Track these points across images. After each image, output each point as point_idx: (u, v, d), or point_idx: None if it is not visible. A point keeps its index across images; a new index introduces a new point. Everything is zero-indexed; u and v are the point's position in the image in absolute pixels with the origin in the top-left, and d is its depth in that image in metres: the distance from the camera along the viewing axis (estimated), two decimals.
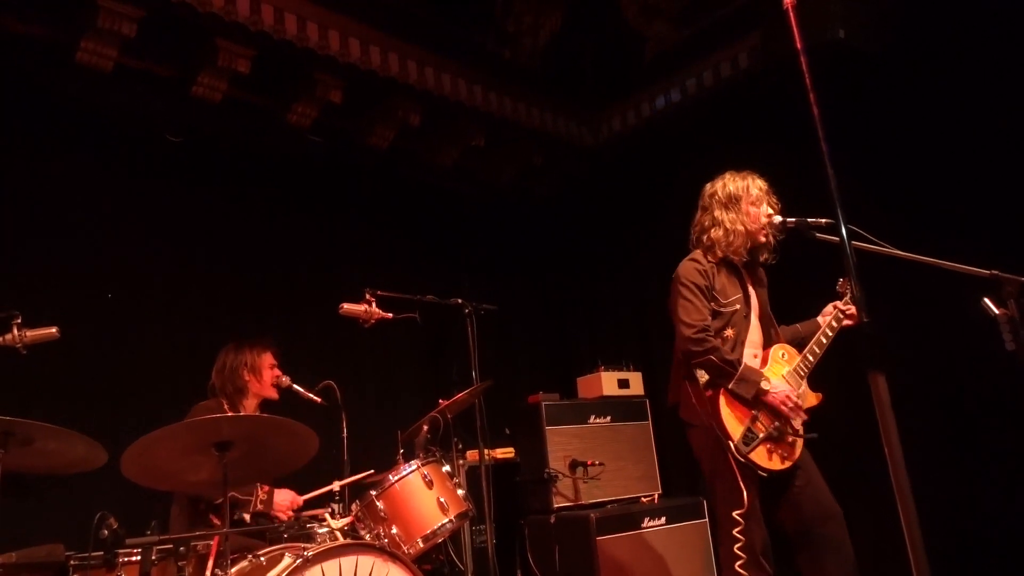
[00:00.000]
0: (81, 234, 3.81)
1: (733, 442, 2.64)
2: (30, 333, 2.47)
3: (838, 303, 2.98)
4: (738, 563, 2.57)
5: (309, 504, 3.25)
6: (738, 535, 2.58)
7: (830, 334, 2.90)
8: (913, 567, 1.25)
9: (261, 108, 4.53)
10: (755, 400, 2.70)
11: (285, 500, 3.23)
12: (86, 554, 2.31)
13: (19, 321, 2.46)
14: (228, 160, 4.44)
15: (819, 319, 3.05)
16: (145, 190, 4.08)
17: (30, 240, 3.64)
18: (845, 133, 3.84)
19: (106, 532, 2.24)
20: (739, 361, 2.72)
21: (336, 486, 3.13)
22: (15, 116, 3.71)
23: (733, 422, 2.68)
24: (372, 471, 3.25)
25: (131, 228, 3.97)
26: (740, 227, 2.85)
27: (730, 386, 2.69)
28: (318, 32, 4.22)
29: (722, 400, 2.70)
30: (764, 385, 2.69)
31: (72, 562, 2.32)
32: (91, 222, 3.86)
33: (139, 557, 2.28)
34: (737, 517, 2.59)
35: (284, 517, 3.19)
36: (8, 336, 2.44)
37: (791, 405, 2.70)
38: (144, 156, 4.12)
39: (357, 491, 2.98)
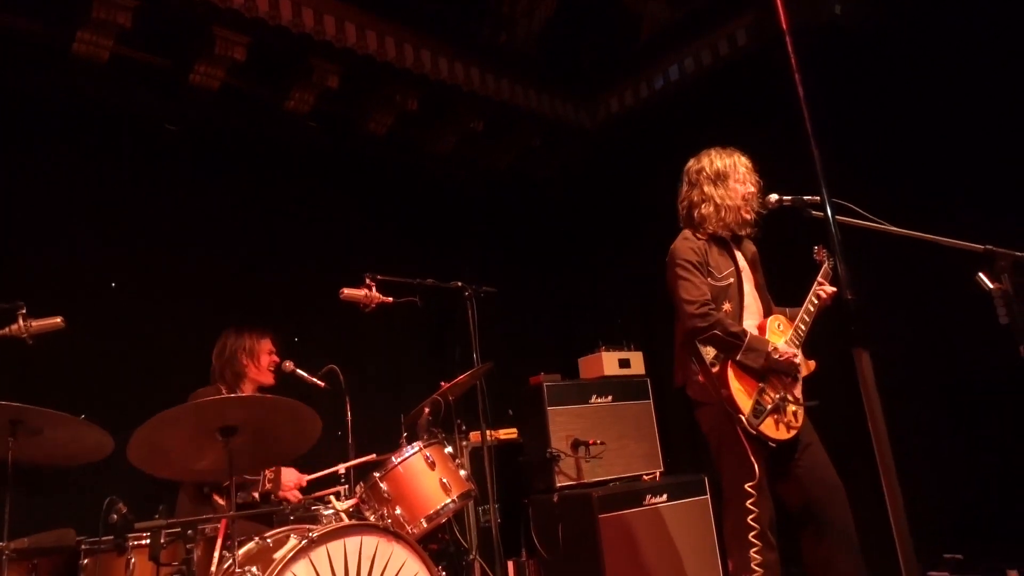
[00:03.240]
0: (82, 225, 3.84)
1: (744, 416, 2.67)
2: (36, 323, 2.50)
3: (818, 276, 3.00)
4: (751, 534, 2.61)
5: (314, 485, 3.30)
6: (751, 507, 2.62)
7: (816, 301, 2.92)
8: (897, 543, 1.28)
9: (259, 95, 4.54)
10: (764, 369, 2.74)
11: (292, 479, 3.29)
12: (96, 539, 2.36)
13: (24, 312, 2.49)
14: (227, 148, 4.46)
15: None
16: (145, 179, 4.10)
17: (32, 232, 3.67)
18: (839, 111, 3.86)
19: (115, 517, 2.29)
20: (744, 332, 2.74)
21: (341, 468, 3.18)
22: (13, 110, 3.73)
23: (742, 396, 2.71)
24: (374, 455, 3.30)
25: (132, 217, 4.00)
26: (729, 202, 2.88)
27: (738, 357, 2.71)
28: (313, 17, 4.22)
29: (730, 374, 2.73)
30: (772, 352, 2.73)
31: (83, 546, 2.37)
32: (92, 213, 3.89)
33: (148, 541, 2.33)
34: (749, 489, 2.63)
35: (291, 496, 3.26)
36: (14, 327, 2.48)
37: (797, 364, 2.79)
38: (143, 146, 4.14)
39: (361, 473, 3.02)
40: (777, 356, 2.73)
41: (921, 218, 2.34)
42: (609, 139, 5.65)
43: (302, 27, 4.14)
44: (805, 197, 2.65)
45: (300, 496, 3.29)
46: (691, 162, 3.03)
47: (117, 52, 3.90)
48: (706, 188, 2.93)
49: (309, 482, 3.35)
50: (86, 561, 2.34)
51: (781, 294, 3.11)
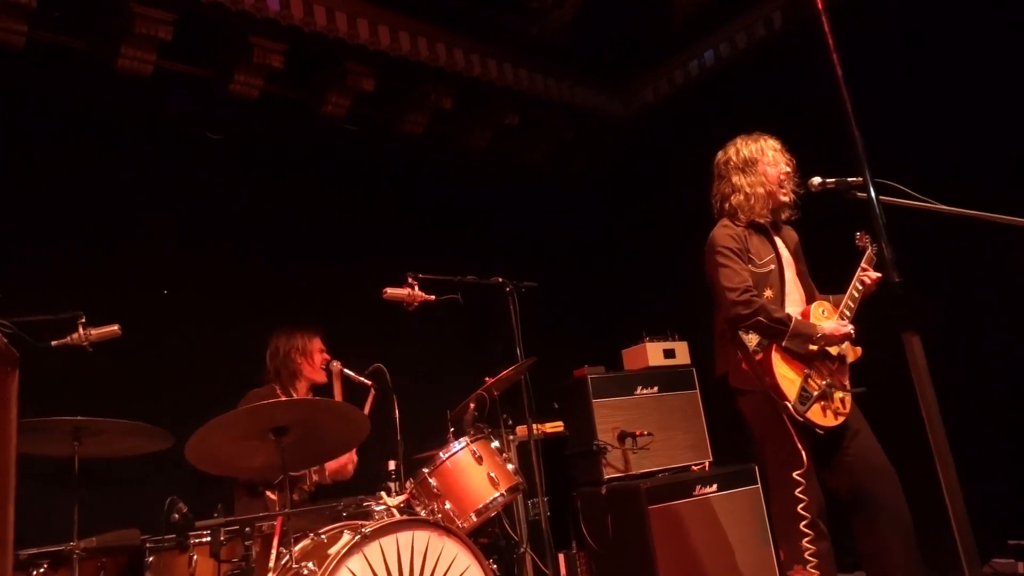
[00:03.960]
0: (133, 234, 3.97)
1: (790, 403, 2.63)
2: (95, 332, 2.60)
3: (861, 262, 2.94)
4: (802, 523, 2.58)
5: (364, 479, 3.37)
6: (800, 495, 2.58)
7: (860, 287, 2.87)
8: (954, 527, 1.25)
9: (297, 101, 4.62)
10: (811, 354, 2.69)
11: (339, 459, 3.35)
12: (160, 537, 2.45)
13: (84, 321, 2.59)
14: (268, 154, 4.56)
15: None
16: (190, 188, 4.22)
17: (86, 243, 3.81)
18: (878, 91, 3.76)
19: (176, 516, 2.37)
20: (789, 317, 2.70)
21: (391, 464, 3.24)
22: (65, 127, 3.88)
23: (788, 383, 2.67)
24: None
25: (179, 225, 4.12)
26: (760, 189, 2.85)
27: (784, 343, 2.67)
28: (347, 22, 4.27)
29: (774, 361, 2.68)
30: (819, 334, 2.68)
31: (148, 545, 2.46)
32: (141, 222, 4.01)
33: (208, 538, 2.41)
34: (798, 478, 2.59)
35: (346, 472, 3.33)
36: (75, 335, 2.57)
37: (850, 334, 2.73)
38: (188, 155, 4.26)
39: (411, 469, 3.07)
40: (824, 335, 2.68)
41: (968, 196, 2.27)
42: (644, 128, 5.59)
43: (336, 32, 4.20)
44: (849, 179, 2.60)
45: (350, 468, 3.36)
46: (719, 154, 3.00)
47: (160, 65, 4.00)
48: (735, 178, 2.89)
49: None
50: (151, 559, 2.43)
51: (824, 281, 3.05)
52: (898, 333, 1.35)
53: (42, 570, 2.33)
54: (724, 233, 2.86)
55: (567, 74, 5.27)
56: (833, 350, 2.78)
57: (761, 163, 2.86)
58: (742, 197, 2.86)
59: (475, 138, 5.26)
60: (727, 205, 2.92)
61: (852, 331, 2.74)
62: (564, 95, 5.25)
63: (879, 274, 2.87)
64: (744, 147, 2.91)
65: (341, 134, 4.76)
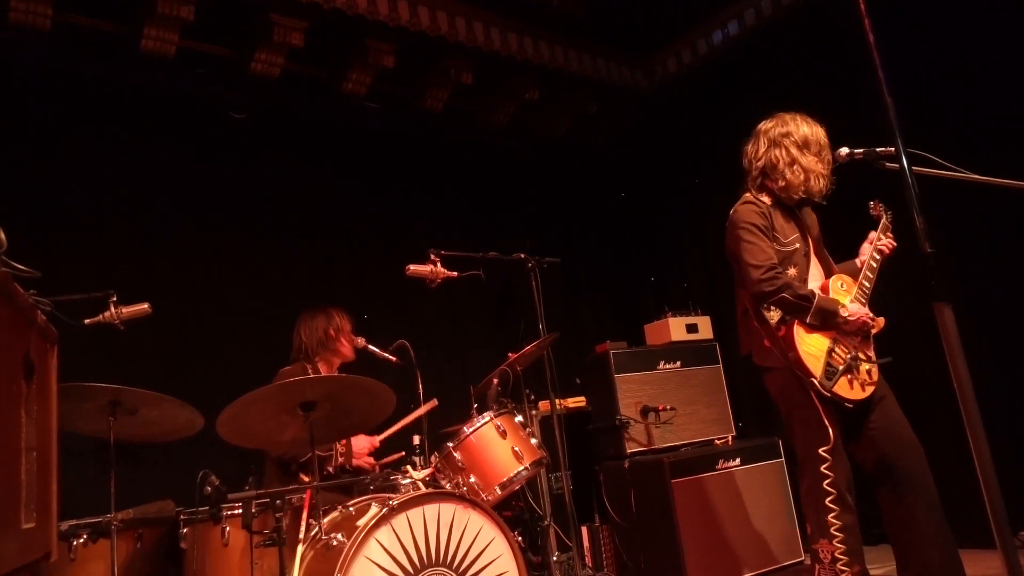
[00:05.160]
0: (159, 214, 4.02)
1: (816, 379, 2.62)
2: (126, 310, 2.64)
3: (872, 235, 2.90)
4: (828, 499, 2.57)
5: (388, 444, 3.43)
6: (826, 471, 2.58)
7: (878, 257, 2.85)
8: (986, 497, 1.24)
9: (318, 79, 4.62)
10: (832, 328, 2.67)
11: (364, 445, 3.41)
12: (194, 509, 2.52)
13: (115, 299, 2.63)
14: (291, 133, 4.57)
15: (856, 261, 2.97)
16: (215, 168, 4.26)
17: (113, 224, 3.86)
18: (909, 58, 3.66)
19: (209, 489, 2.43)
20: (812, 294, 2.67)
21: (410, 418, 3.35)
22: (92, 109, 3.92)
23: (811, 359, 2.65)
24: (435, 401, 3.43)
25: (205, 205, 4.16)
26: (815, 170, 2.79)
27: (808, 319, 2.65)
28: None
29: (797, 336, 2.67)
30: (843, 312, 2.66)
31: (182, 516, 2.53)
32: (168, 202, 4.06)
33: (240, 511, 2.47)
34: (824, 454, 2.59)
35: (365, 462, 3.39)
36: (107, 314, 2.62)
37: (871, 323, 2.71)
38: (212, 135, 4.29)
39: (436, 443, 3.11)
40: (847, 315, 2.67)
41: (1000, 165, 2.22)
42: (667, 100, 5.52)
43: (356, 8, 4.18)
44: (878, 149, 2.55)
45: (373, 461, 3.43)
46: (772, 123, 2.90)
47: (183, 45, 4.02)
48: (794, 152, 2.81)
49: (382, 442, 3.48)
50: (185, 530, 2.50)
51: (836, 250, 3.02)
52: (930, 303, 1.33)
53: (82, 540, 2.41)
54: (749, 209, 2.82)
55: (588, 46, 5.21)
56: None
57: (814, 147, 2.82)
58: (802, 175, 2.79)
59: (497, 113, 5.23)
60: (778, 175, 2.83)
61: (871, 320, 2.72)
62: (585, 68, 5.19)
63: (895, 243, 2.86)
64: (805, 125, 2.84)
65: (363, 112, 4.76)
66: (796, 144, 2.82)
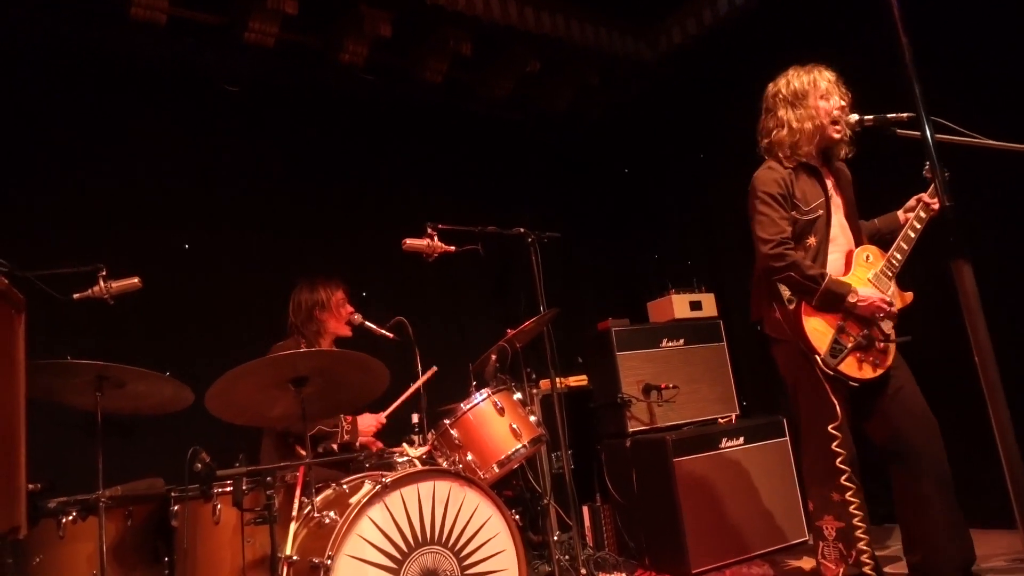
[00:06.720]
0: (150, 185, 3.93)
1: (820, 356, 2.55)
2: (115, 284, 2.59)
3: (923, 195, 2.74)
4: (842, 477, 2.52)
5: (393, 421, 3.39)
6: (835, 449, 2.52)
7: (918, 226, 2.69)
8: (1007, 475, 1.17)
9: (314, 50, 4.51)
10: (843, 310, 2.59)
11: (370, 423, 3.36)
12: (184, 486, 2.46)
13: (104, 273, 2.58)
14: (286, 104, 4.48)
15: (899, 213, 2.86)
16: (208, 138, 4.16)
17: (103, 195, 3.78)
18: (926, 23, 3.53)
19: (199, 465, 2.37)
20: (822, 275, 2.59)
21: (410, 390, 3.29)
22: (82, 77, 3.83)
23: (818, 335, 2.58)
24: (435, 368, 3.39)
25: (198, 177, 4.07)
26: (808, 124, 2.68)
27: (813, 303, 2.58)
28: None
29: (805, 312, 2.59)
30: (851, 298, 2.57)
31: (173, 494, 2.48)
32: (159, 174, 3.97)
33: (231, 488, 2.41)
34: (832, 431, 2.53)
35: (370, 441, 3.34)
36: (96, 288, 2.57)
37: (885, 309, 2.59)
38: (205, 105, 4.19)
39: (434, 421, 3.05)
40: (856, 301, 2.57)
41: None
42: (672, 72, 5.38)
43: None
44: (889, 115, 2.45)
45: (381, 444, 3.38)
46: (769, 86, 2.82)
47: (173, 13, 3.91)
48: (781, 112, 2.73)
49: (388, 417, 3.43)
50: (176, 507, 2.45)
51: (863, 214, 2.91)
52: (947, 262, 1.25)
53: (71, 518, 2.36)
54: (768, 176, 2.71)
55: (590, 16, 5.07)
56: None
57: (812, 96, 2.69)
58: (785, 133, 2.70)
59: (496, 85, 5.11)
60: (767, 142, 2.77)
61: (889, 306, 2.60)
62: (587, 38, 5.06)
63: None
64: (796, 78, 2.73)
65: (360, 84, 4.65)
66: (786, 101, 2.73)
